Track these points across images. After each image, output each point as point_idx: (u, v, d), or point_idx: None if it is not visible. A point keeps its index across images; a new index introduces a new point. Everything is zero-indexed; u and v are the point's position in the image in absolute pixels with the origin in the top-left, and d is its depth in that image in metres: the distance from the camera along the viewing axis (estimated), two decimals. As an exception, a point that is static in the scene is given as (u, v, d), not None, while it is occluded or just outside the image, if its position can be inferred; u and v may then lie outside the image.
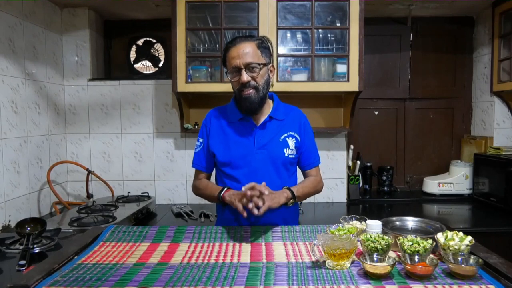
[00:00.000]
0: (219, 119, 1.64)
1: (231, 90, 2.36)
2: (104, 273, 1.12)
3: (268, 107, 1.62)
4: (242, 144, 1.58)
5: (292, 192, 1.51)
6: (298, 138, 1.63)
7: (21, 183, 2.21)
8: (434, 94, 2.97)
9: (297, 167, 1.72)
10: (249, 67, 1.49)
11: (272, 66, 1.59)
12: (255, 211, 1.35)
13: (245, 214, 1.37)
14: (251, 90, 1.50)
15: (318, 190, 1.70)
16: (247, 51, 1.49)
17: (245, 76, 1.48)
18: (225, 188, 1.53)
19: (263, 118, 1.60)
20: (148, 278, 1.08)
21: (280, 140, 1.59)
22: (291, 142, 1.61)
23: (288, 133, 1.61)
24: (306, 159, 1.68)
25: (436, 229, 1.33)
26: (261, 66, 1.51)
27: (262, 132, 1.59)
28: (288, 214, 1.63)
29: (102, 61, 2.91)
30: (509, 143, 2.71)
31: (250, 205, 1.35)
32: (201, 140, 1.67)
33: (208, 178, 1.73)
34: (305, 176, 1.72)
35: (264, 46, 1.55)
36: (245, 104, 1.52)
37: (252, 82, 1.50)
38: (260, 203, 1.36)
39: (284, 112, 1.65)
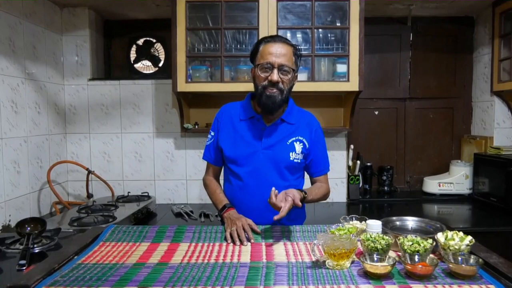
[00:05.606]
0: (231, 115, 1.64)
1: (231, 90, 2.41)
2: (104, 273, 1.12)
3: (281, 110, 1.62)
4: (249, 142, 1.59)
5: (305, 193, 1.49)
6: (307, 144, 1.62)
7: (21, 183, 2.21)
8: (434, 94, 2.97)
9: (305, 172, 1.72)
10: (282, 68, 1.49)
11: (296, 75, 1.60)
12: (245, 243, 1.36)
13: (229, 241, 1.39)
14: (275, 90, 1.50)
15: (325, 199, 1.71)
16: (284, 53, 1.50)
17: (276, 76, 1.48)
18: (226, 207, 1.57)
19: (274, 119, 1.60)
20: (148, 278, 1.08)
21: (288, 143, 1.59)
22: (298, 147, 1.60)
23: (297, 138, 1.61)
24: (316, 166, 1.69)
25: (436, 229, 1.33)
26: (292, 71, 1.52)
27: (270, 133, 1.59)
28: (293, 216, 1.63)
29: (102, 61, 2.90)
30: (509, 143, 2.71)
31: (240, 242, 1.37)
32: (212, 133, 1.68)
33: (218, 171, 1.75)
34: (312, 182, 1.72)
35: (297, 54, 1.56)
36: (267, 101, 1.51)
37: (280, 84, 1.50)
38: (251, 234, 1.40)
39: (296, 117, 1.64)
